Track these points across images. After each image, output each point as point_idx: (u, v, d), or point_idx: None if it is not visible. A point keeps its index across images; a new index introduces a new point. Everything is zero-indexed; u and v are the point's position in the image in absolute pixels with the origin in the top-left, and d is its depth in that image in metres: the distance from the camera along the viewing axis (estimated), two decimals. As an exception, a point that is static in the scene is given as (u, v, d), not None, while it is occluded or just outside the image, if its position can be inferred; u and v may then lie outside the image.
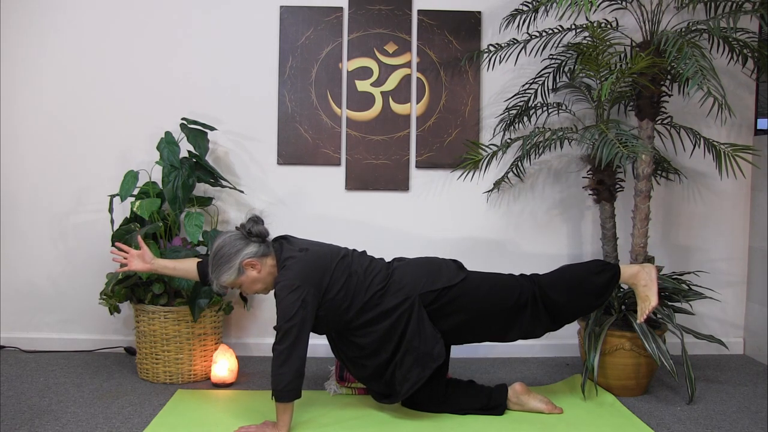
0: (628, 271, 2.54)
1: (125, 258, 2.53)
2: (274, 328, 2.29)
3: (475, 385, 2.57)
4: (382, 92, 3.30)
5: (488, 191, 3.35)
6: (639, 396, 2.79)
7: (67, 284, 3.32)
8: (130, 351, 3.25)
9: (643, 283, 2.52)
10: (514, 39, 3.14)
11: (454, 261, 2.58)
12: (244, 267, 2.36)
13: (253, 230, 2.39)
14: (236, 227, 2.44)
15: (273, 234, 2.49)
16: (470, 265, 3.29)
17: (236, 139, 3.29)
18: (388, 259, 2.59)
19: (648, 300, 2.50)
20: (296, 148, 3.29)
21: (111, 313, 2.98)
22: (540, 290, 2.46)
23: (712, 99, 2.54)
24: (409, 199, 3.34)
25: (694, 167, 3.39)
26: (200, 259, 2.58)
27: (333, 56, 3.28)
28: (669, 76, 2.95)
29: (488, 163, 3.27)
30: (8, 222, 3.30)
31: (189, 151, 3.03)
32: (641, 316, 2.51)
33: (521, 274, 2.56)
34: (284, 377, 2.24)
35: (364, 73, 3.29)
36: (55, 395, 2.68)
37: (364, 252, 2.55)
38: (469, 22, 3.29)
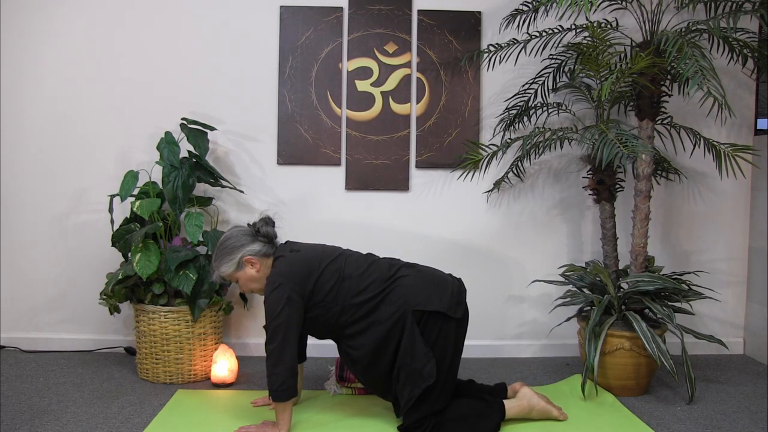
0: (513, 413, 2.42)
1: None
2: (264, 327, 2.30)
3: (474, 384, 2.57)
4: (382, 92, 3.30)
5: (488, 191, 3.35)
6: (639, 396, 2.79)
7: (67, 284, 3.32)
8: (130, 351, 3.26)
9: (535, 415, 2.45)
10: (514, 39, 3.14)
11: (461, 284, 2.45)
12: (244, 262, 2.38)
13: (262, 230, 2.42)
14: (247, 224, 2.47)
15: (281, 238, 2.50)
16: (471, 266, 3.32)
17: (236, 139, 3.29)
18: (404, 258, 2.54)
19: (549, 413, 2.45)
20: (296, 148, 3.29)
21: (111, 313, 2.98)
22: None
23: (712, 99, 2.54)
24: (409, 199, 3.34)
25: (694, 167, 3.39)
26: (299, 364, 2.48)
27: (333, 56, 3.28)
28: (669, 76, 2.95)
29: (488, 163, 3.27)
30: (9, 222, 3.31)
31: (189, 151, 3.03)
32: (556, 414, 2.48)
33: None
34: (279, 376, 2.24)
35: (364, 73, 3.29)
36: (55, 395, 2.68)
37: (368, 254, 2.49)
38: (469, 22, 3.30)
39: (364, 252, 2.52)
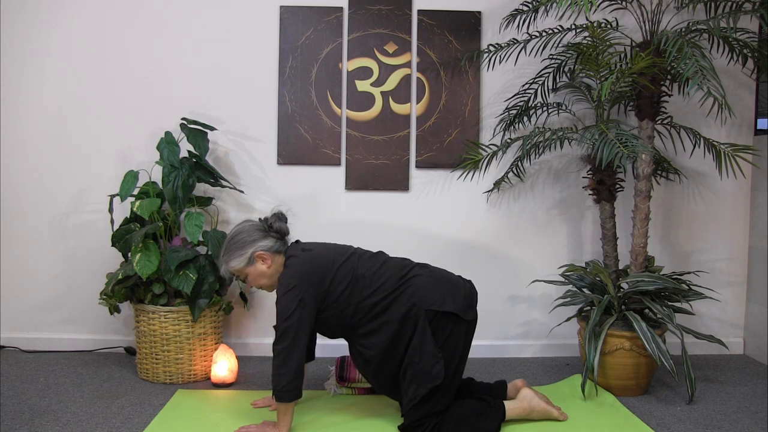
0: (514, 414, 2.42)
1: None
2: (274, 327, 2.30)
3: (474, 382, 2.57)
4: (382, 92, 3.30)
5: (488, 191, 3.35)
6: (639, 396, 2.79)
7: (67, 284, 3.32)
8: (130, 351, 3.26)
9: (535, 416, 2.45)
10: (514, 39, 3.15)
11: (472, 287, 2.46)
12: (255, 258, 2.37)
13: (275, 225, 2.41)
14: (259, 219, 2.46)
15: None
16: (471, 266, 3.32)
17: (236, 139, 3.29)
18: (416, 258, 2.53)
19: (550, 414, 2.45)
20: (296, 148, 3.29)
21: (111, 313, 2.98)
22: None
23: (712, 99, 2.55)
24: (409, 199, 3.34)
25: (694, 167, 3.39)
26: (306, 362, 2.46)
27: (333, 56, 3.28)
28: (669, 76, 2.95)
29: (488, 163, 3.27)
30: (9, 222, 3.30)
31: (189, 151, 3.03)
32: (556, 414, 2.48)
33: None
34: (284, 377, 2.24)
35: (364, 73, 3.29)
36: (55, 395, 2.68)
37: (379, 253, 2.48)
38: (469, 22, 3.30)
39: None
